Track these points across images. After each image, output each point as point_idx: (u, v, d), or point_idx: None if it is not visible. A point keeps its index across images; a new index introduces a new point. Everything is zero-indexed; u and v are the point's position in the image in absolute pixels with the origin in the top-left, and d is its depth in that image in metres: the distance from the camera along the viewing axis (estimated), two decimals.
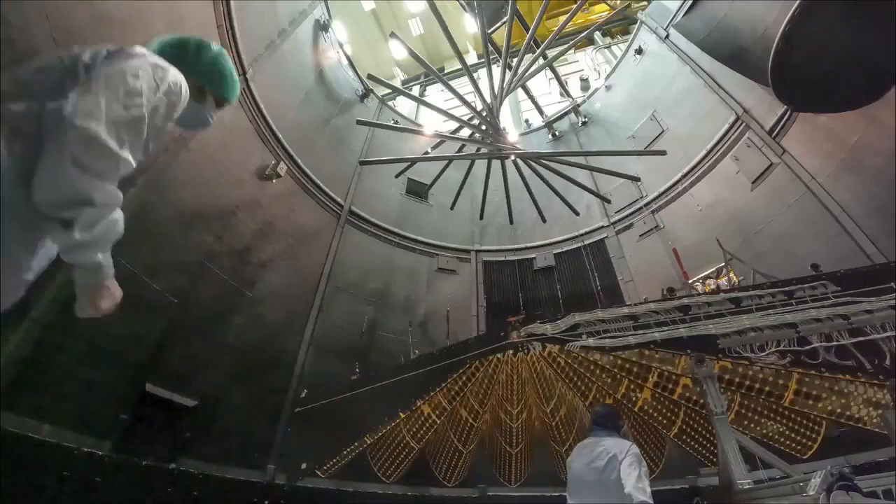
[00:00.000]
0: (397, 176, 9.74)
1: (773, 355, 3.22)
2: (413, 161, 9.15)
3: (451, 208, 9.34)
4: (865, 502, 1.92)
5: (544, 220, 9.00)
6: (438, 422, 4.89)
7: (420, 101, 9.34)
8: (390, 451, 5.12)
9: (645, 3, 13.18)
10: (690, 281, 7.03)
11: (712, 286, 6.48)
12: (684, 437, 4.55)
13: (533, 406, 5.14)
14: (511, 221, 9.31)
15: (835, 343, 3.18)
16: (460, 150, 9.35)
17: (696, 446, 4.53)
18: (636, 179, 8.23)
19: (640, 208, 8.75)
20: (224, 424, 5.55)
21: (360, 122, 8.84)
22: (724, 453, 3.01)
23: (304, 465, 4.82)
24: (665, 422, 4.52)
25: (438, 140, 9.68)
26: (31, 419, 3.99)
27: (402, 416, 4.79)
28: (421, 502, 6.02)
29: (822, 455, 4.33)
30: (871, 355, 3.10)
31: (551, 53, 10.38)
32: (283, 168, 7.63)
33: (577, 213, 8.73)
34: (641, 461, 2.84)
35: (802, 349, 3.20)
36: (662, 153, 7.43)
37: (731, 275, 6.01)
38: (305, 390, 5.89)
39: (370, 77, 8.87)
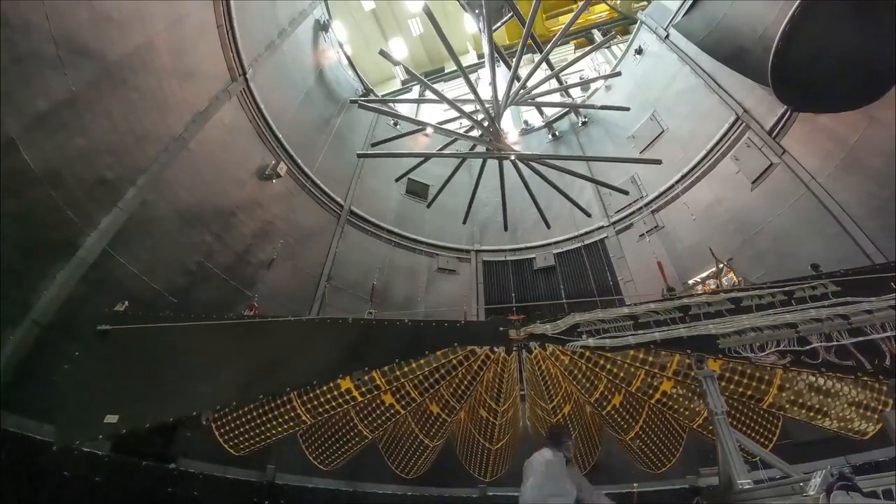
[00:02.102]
0: (398, 180, 9.72)
1: (773, 355, 3.22)
2: (410, 156, 9.16)
3: (464, 222, 9.29)
4: (865, 502, 1.92)
5: (548, 226, 8.95)
6: (449, 420, 4.70)
7: (422, 99, 9.32)
8: (406, 449, 4.88)
9: (645, 3, 13.20)
10: (690, 282, 7.03)
11: (712, 286, 6.48)
12: (637, 441, 4.56)
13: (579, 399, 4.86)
14: (506, 228, 9.19)
15: (835, 343, 3.17)
16: (472, 148, 9.31)
17: (647, 451, 4.60)
18: (624, 193, 8.21)
19: (641, 208, 8.76)
20: None
21: (361, 106, 8.89)
22: (724, 453, 3.00)
23: (109, 419, 3.14)
24: (625, 426, 4.54)
25: (449, 143, 9.66)
26: (31, 419, 3.99)
27: (304, 393, 3.74)
28: (421, 502, 6.02)
29: (823, 455, 4.33)
30: (871, 355, 3.10)
31: (551, 55, 10.38)
32: (283, 168, 7.63)
33: (588, 215, 8.65)
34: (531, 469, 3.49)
35: (802, 349, 3.19)
36: (657, 162, 7.42)
37: (732, 275, 6.01)
38: (126, 302, 3.92)
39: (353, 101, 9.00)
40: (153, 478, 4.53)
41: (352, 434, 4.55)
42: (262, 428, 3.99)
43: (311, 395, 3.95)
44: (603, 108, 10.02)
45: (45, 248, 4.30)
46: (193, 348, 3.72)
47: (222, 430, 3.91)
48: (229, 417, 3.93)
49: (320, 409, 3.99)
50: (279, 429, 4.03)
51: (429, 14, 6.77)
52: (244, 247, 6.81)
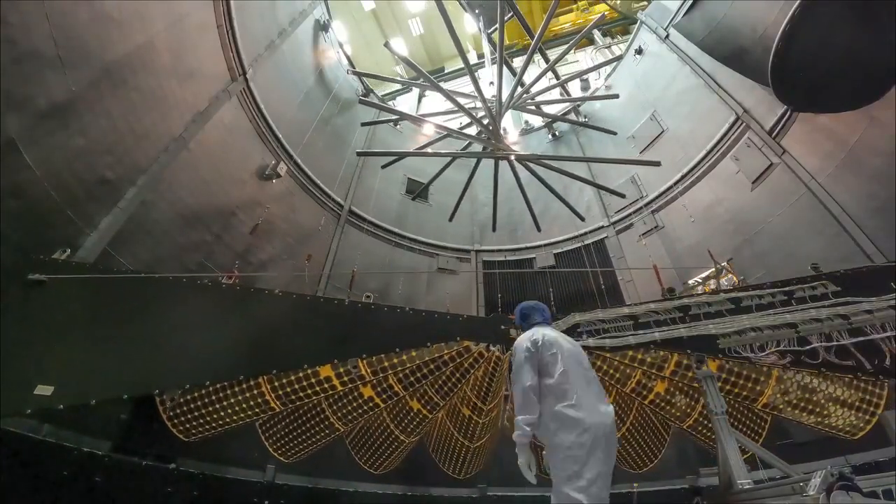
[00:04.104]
0: (384, 167, 9.59)
1: (773, 355, 3.23)
2: (409, 155, 9.18)
3: (450, 219, 9.30)
4: (865, 502, 1.92)
5: (539, 229, 8.97)
6: (430, 417, 4.59)
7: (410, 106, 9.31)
8: (378, 444, 4.72)
9: (645, 3, 13.19)
10: (691, 282, 7.03)
11: (712, 286, 6.48)
12: (623, 442, 4.54)
13: None
14: (494, 228, 9.18)
15: (835, 343, 3.18)
16: (466, 147, 9.34)
17: (631, 452, 4.63)
18: (621, 196, 8.23)
19: (640, 208, 8.76)
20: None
21: (365, 124, 8.95)
22: (724, 453, 3.01)
23: (41, 391, 2.62)
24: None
25: (437, 140, 9.70)
26: (31, 419, 3.99)
27: (277, 378, 3.36)
28: (421, 502, 6.02)
29: (823, 455, 4.33)
30: (871, 355, 3.11)
31: (550, 54, 10.42)
32: (283, 168, 7.63)
33: (582, 219, 8.69)
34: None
35: (802, 349, 3.20)
36: (657, 164, 7.45)
37: (731, 275, 6.02)
38: (68, 249, 3.43)
39: (350, 72, 8.90)
40: (153, 478, 4.53)
41: (322, 426, 4.20)
42: (222, 413, 3.51)
43: (286, 380, 3.55)
44: (592, 127, 10.13)
45: (46, 248, 4.30)
46: (158, 312, 3.20)
47: (171, 413, 3.48)
48: (186, 399, 3.55)
49: (293, 397, 3.60)
50: (241, 415, 3.61)
51: (441, 9, 6.79)
52: (244, 247, 6.81)
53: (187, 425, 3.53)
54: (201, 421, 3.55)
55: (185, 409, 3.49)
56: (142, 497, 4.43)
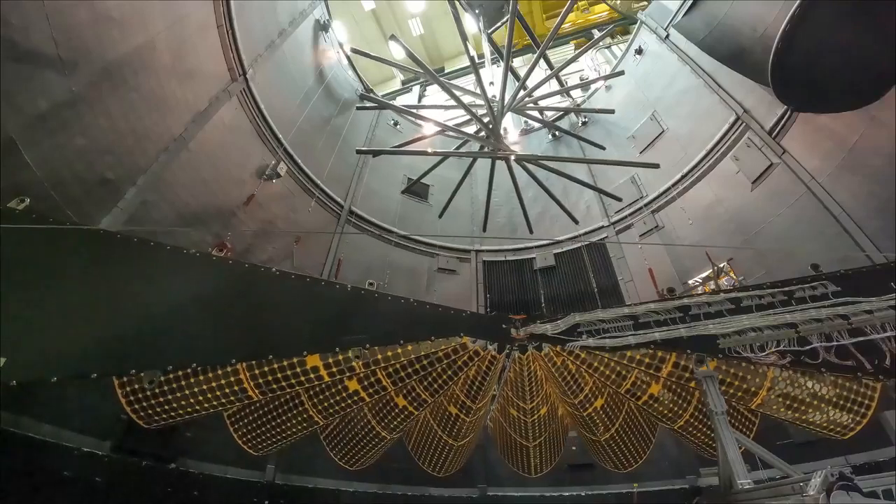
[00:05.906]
0: (375, 156, 9.62)
1: (774, 355, 3.22)
2: (409, 154, 9.20)
3: (440, 216, 9.33)
4: (865, 502, 1.93)
5: (531, 231, 9.06)
6: (416, 413, 4.44)
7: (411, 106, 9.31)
8: (357, 439, 4.54)
9: (645, 3, 13.19)
10: (690, 282, 7.04)
11: (712, 287, 6.48)
12: (611, 443, 4.57)
13: (556, 402, 4.78)
14: (484, 228, 9.32)
15: (835, 343, 3.18)
16: (460, 146, 9.39)
17: (618, 452, 4.68)
18: (618, 199, 8.27)
19: (640, 208, 8.76)
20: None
21: (360, 108, 8.96)
22: (724, 453, 3.01)
23: None
24: (603, 428, 4.54)
25: (433, 135, 9.73)
26: (31, 419, 3.99)
27: (258, 366, 3.11)
28: (421, 502, 6.02)
29: (823, 455, 4.34)
30: (871, 355, 3.11)
31: (550, 54, 10.42)
32: (283, 168, 7.63)
33: (576, 222, 8.74)
34: None
35: (802, 349, 3.20)
36: (655, 166, 7.45)
37: (732, 274, 6.02)
38: (27, 199, 2.95)
39: (354, 51, 9.34)
40: (153, 478, 4.53)
41: (299, 419, 3.94)
42: (192, 399, 3.19)
43: (267, 368, 3.24)
44: (581, 139, 10.19)
45: None
46: (139, 282, 2.78)
47: (132, 398, 3.17)
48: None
49: (274, 386, 3.29)
50: (214, 403, 3.28)
51: (452, 8, 6.82)
52: (244, 247, 6.81)
53: (150, 411, 3.16)
54: (166, 407, 3.17)
55: (147, 393, 3.16)
56: (142, 497, 4.43)
